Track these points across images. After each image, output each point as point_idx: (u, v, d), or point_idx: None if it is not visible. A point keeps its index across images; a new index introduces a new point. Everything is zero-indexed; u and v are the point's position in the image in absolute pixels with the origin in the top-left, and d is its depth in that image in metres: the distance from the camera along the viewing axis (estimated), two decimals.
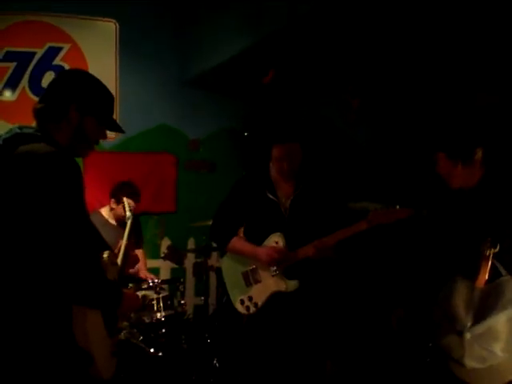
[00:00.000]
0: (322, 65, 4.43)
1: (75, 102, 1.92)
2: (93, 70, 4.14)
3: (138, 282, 4.05)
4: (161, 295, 3.92)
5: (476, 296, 2.12)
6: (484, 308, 2.10)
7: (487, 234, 2.06)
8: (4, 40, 4.68)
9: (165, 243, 5.27)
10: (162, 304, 3.88)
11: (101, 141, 2.06)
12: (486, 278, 2.08)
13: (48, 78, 4.66)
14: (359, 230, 2.82)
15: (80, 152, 2.00)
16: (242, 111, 5.57)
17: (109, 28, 4.99)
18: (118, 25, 5.00)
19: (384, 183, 4.08)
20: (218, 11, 4.65)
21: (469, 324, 2.12)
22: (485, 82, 3.32)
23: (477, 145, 2.25)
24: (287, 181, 3.08)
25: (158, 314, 3.84)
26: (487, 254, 2.05)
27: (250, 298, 3.06)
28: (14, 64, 4.71)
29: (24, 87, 4.74)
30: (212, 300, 4.94)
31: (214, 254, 5.33)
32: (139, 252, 4.42)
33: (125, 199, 3.30)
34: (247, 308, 3.07)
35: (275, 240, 3.01)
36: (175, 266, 5.21)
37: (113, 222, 4.21)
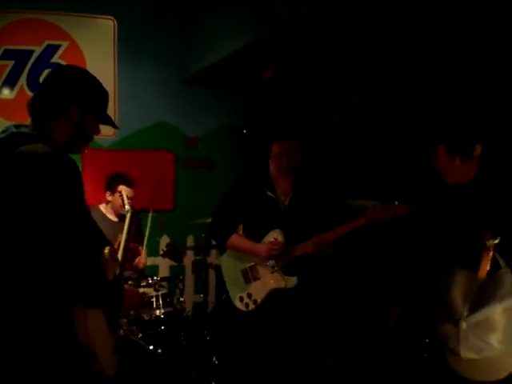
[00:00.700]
0: (321, 62, 4.43)
1: (76, 101, 1.92)
2: (91, 67, 4.13)
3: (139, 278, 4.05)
4: (160, 292, 3.93)
5: (474, 287, 2.13)
6: (481, 299, 2.11)
7: (487, 226, 2.06)
8: (2, 38, 4.66)
9: (164, 241, 5.28)
10: (161, 301, 3.89)
11: (100, 139, 2.06)
12: (488, 268, 2.08)
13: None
14: (358, 226, 2.83)
15: (77, 149, 2.00)
16: (240, 109, 5.57)
17: (107, 25, 4.98)
18: (116, 22, 4.98)
19: (383, 180, 4.09)
20: (218, 9, 4.65)
21: (465, 313, 2.13)
22: (485, 81, 3.33)
23: (477, 141, 2.25)
24: (286, 178, 3.08)
25: (157, 312, 3.84)
26: (488, 244, 2.05)
27: (250, 295, 3.07)
28: (13, 62, 4.71)
29: (22, 85, 4.73)
30: (211, 297, 4.95)
31: (213, 252, 5.34)
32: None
33: (122, 190, 3.29)
34: (246, 305, 3.08)
35: (274, 237, 3.02)
36: (174, 263, 5.23)
37: (112, 217, 4.20)
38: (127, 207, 2.84)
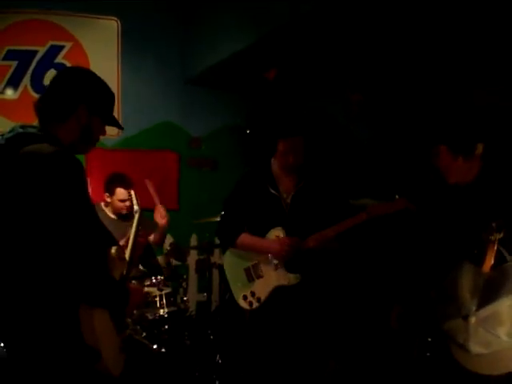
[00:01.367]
0: (324, 61, 4.43)
1: (85, 103, 1.93)
2: (95, 68, 4.14)
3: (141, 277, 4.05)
4: (164, 292, 3.92)
5: (481, 281, 2.13)
6: (489, 293, 2.11)
7: (491, 220, 2.06)
8: (6, 38, 4.68)
9: (167, 240, 5.28)
10: (164, 301, 3.89)
11: (103, 139, 2.07)
12: (492, 262, 2.08)
13: (50, 76, 4.61)
14: (359, 221, 2.84)
15: (82, 149, 2.02)
16: (243, 108, 5.57)
17: (111, 26, 5.00)
18: (119, 23, 5.00)
19: (385, 179, 4.09)
20: (221, 9, 4.65)
21: (474, 308, 2.13)
22: (485, 81, 3.33)
23: (479, 140, 2.25)
24: (289, 176, 3.09)
25: (161, 311, 3.84)
26: (492, 239, 2.05)
27: (253, 294, 3.07)
28: (16, 62, 4.72)
29: (26, 85, 4.75)
30: (215, 296, 4.95)
31: (217, 251, 5.35)
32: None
33: (132, 192, 3.28)
34: (250, 303, 3.08)
35: (276, 234, 3.02)
36: (178, 262, 5.23)
37: (112, 215, 4.20)
38: (136, 207, 2.85)
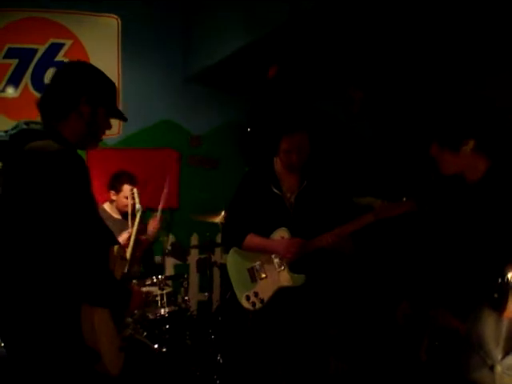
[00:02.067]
0: (325, 58, 4.42)
1: (85, 95, 1.92)
2: (95, 65, 4.13)
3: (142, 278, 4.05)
4: (164, 291, 3.92)
5: (504, 327, 2.07)
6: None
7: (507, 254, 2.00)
8: (6, 37, 4.67)
9: (168, 239, 5.27)
10: (165, 300, 3.89)
11: (104, 137, 2.06)
12: None
13: (50, 74, 4.65)
14: (366, 222, 2.81)
15: (90, 144, 2.01)
16: (244, 106, 5.56)
17: (111, 24, 4.98)
18: (120, 21, 4.99)
19: (389, 177, 4.07)
20: (220, 7, 4.64)
21: (499, 357, 2.08)
22: (485, 81, 3.31)
23: (467, 135, 2.18)
24: (292, 174, 3.06)
25: (162, 310, 3.84)
26: None
27: (256, 294, 3.05)
28: (17, 61, 4.71)
29: (26, 84, 4.73)
30: (216, 296, 4.94)
31: (218, 250, 5.35)
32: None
33: (135, 190, 3.26)
34: (253, 304, 3.06)
35: (281, 235, 3.00)
36: (179, 262, 5.22)
37: (116, 215, 4.19)
38: (138, 206, 2.84)
